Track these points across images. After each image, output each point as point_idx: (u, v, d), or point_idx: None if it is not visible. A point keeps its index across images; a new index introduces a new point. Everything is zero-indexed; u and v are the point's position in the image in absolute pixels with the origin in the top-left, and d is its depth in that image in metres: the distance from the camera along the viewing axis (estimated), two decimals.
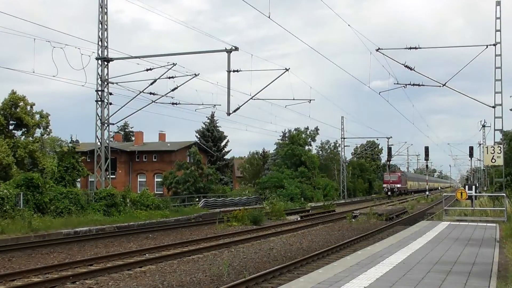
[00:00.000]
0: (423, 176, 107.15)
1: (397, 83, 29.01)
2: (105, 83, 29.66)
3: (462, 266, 10.07)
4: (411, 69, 26.83)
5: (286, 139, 63.68)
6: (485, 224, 20.03)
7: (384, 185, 75.13)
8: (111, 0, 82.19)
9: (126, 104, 30.24)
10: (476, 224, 20.15)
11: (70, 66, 25.71)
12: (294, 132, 62.33)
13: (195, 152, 45.13)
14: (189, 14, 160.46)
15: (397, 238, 15.16)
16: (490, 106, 27.85)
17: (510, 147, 39.67)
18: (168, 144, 58.20)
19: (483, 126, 53.43)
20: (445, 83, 27.94)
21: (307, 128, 65.47)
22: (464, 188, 25.91)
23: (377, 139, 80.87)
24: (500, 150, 25.63)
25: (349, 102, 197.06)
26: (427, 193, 67.44)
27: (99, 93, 29.61)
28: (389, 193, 71.59)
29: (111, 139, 38.01)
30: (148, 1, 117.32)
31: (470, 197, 23.71)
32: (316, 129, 66.34)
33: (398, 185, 74.42)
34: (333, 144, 79.22)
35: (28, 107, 40.87)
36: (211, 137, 62.40)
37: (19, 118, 39.97)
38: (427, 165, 69.70)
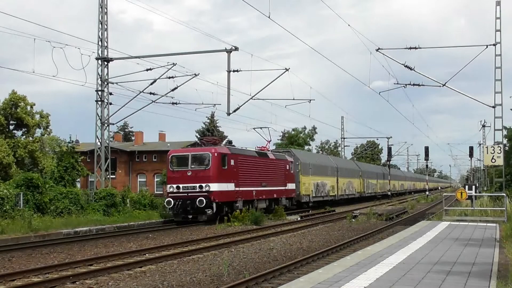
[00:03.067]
0: (378, 167, 73.77)
1: (397, 83, 29.10)
2: (105, 83, 29.69)
3: (462, 266, 10.07)
4: (411, 69, 26.88)
5: (285, 139, 63.66)
6: (485, 224, 20.03)
7: (168, 189, 26.98)
8: (113, 0, 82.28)
9: (126, 104, 30.34)
10: (476, 224, 20.14)
11: (70, 66, 25.88)
12: (292, 132, 62.39)
13: None
14: (191, 15, 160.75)
15: (397, 238, 15.15)
16: (490, 106, 27.90)
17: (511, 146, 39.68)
18: (168, 144, 58.15)
19: (483, 126, 53.50)
20: (445, 83, 28.01)
21: (305, 128, 65.58)
22: (464, 188, 25.90)
23: (377, 139, 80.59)
24: (500, 150, 25.65)
25: (349, 102, 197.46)
26: (427, 193, 67.37)
27: (99, 93, 29.64)
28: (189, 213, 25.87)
29: (111, 139, 38.02)
30: (150, 1, 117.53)
31: (470, 197, 23.72)
32: (314, 128, 66.46)
33: (208, 186, 25.80)
34: (333, 144, 79.25)
35: (28, 107, 40.90)
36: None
37: (20, 118, 40.00)
38: (427, 165, 69.67)
